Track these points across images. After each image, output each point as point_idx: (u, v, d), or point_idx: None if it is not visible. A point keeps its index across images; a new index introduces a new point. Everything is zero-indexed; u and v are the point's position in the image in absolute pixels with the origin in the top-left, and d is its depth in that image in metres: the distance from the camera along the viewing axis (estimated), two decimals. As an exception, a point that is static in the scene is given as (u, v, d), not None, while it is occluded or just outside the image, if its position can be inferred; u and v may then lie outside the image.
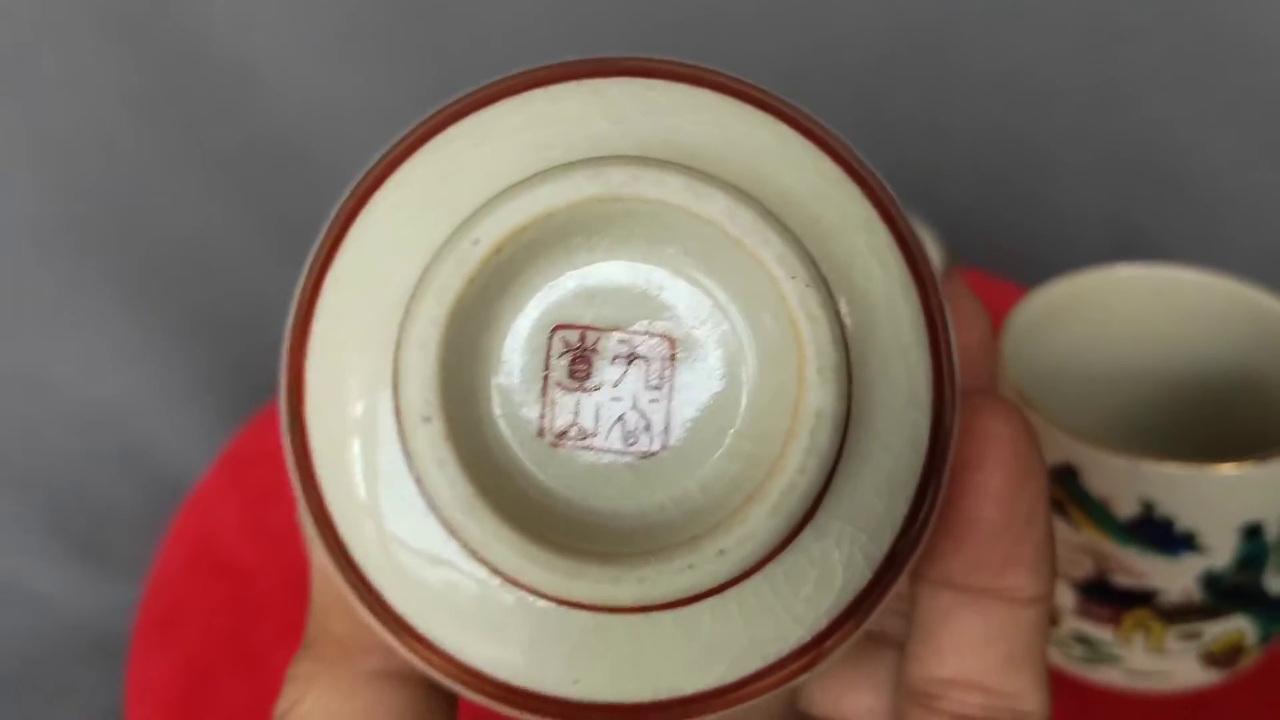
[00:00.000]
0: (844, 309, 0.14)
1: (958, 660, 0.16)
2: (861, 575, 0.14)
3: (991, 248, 0.56)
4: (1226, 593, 0.34)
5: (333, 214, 0.15)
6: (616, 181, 0.13)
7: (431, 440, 0.13)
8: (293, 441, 0.14)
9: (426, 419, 0.13)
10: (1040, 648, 0.16)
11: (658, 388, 0.14)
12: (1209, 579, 0.34)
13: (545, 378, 0.14)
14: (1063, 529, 0.35)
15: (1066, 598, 0.36)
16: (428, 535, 0.14)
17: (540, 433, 0.14)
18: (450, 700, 0.16)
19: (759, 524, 0.13)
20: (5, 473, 0.55)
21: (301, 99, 0.58)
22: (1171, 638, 0.35)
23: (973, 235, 0.53)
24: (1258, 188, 0.59)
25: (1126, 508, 0.33)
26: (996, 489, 0.15)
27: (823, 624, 0.14)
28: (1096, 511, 0.34)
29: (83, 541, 0.54)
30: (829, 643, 0.14)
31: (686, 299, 0.14)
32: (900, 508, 0.14)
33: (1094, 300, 0.39)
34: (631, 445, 0.14)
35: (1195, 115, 0.60)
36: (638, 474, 0.14)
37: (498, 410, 0.14)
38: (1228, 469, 0.32)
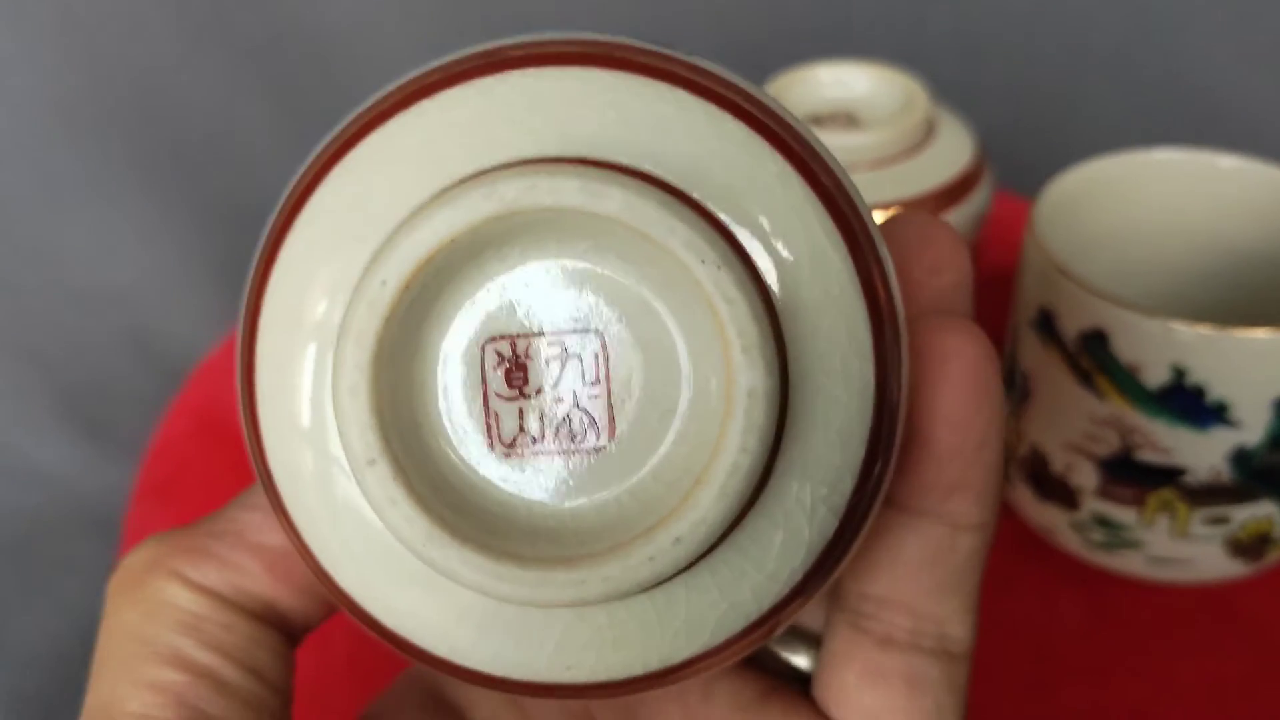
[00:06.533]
0: (768, 274, 0.14)
1: (892, 579, 0.16)
2: (828, 525, 0.14)
3: (1023, 171, 0.55)
4: (1257, 473, 0.33)
5: (254, 258, 0.15)
6: (511, 196, 0.13)
7: (380, 481, 0.13)
8: (262, 479, 0.15)
9: (371, 462, 0.13)
10: (975, 576, 0.16)
11: (595, 382, 0.14)
12: (1239, 456, 0.33)
13: (484, 392, 0.14)
14: (1089, 401, 0.34)
15: (1089, 476, 0.35)
16: (398, 558, 0.14)
17: (490, 446, 0.14)
18: (289, 644, 0.17)
19: (709, 508, 0.13)
20: (15, 348, 0.54)
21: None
22: (1197, 521, 0.34)
23: (1005, 159, 0.52)
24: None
25: (1156, 375, 0.32)
26: (950, 410, 0.15)
27: (798, 577, 0.14)
28: (1125, 379, 0.33)
29: (89, 420, 0.53)
30: (806, 592, 0.14)
31: (608, 292, 0.14)
32: (856, 453, 0.14)
33: (1130, 183, 0.38)
34: (580, 443, 0.14)
35: (1235, 50, 0.59)
36: (591, 470, 0.14)
37: (443, 433, 0.14)
38: (1263, 333, 0.31)
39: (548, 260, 0.14)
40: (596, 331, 0.14)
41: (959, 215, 0.41)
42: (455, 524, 0.13)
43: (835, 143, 0.39)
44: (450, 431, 0.14)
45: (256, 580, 0.17)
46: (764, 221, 0.14)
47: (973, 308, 0.17)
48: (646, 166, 0.13)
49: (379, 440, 0.13)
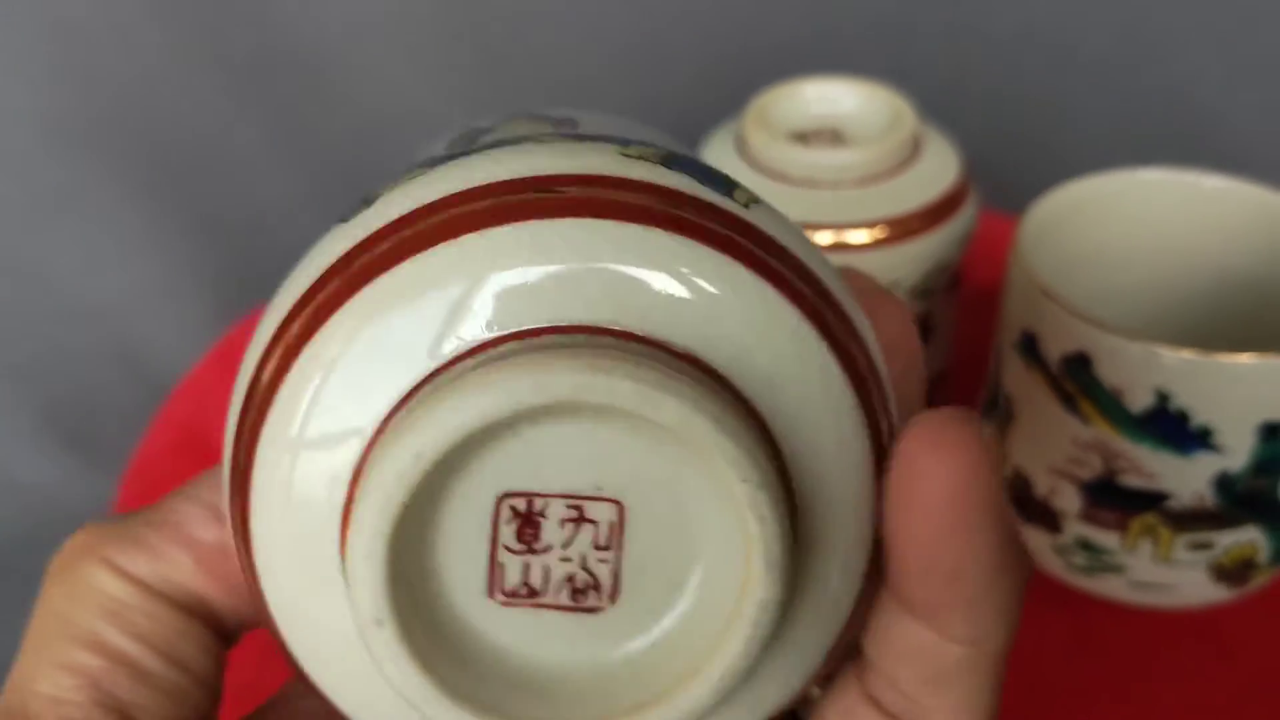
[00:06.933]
0: (794, 467, 0.14)
1: (890, 656, 0.15)
2: (814, 664, 0.15)
3: (1009, 189, 0.55)
4: (1240, 499, 0.33)
5: (250, 379, 0.14)
6: (563, 391, 0.12)
7: (385, 642, 0.13)
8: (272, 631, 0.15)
9: (378, 622, 0.13)
10: (975, 685, 0.15)
11: (606, 548, 0.14)
12: (1223, 481, 0.33)
13: (493, 542, 0.14)
14: (1072, 425, 0.34)
15: (1072, 500, 0.35)
16: (395, 705, 0.14)
17: (490, 593, 0.14)
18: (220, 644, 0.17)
19: (702, 698, 0.13)
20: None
21: (320, 7, 0.58)
22: (1180, 546, 0.34)
23: (991, 177, 0.52)
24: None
25: (1140, 399, 0.32)
26: (917, 535, 0.13)
27: (779, 709, 0.15)
28: (1108, 403, 0.33)
29: (73, 434, 0.53)
30: (779, 712, 0.15)
31: (638, 469, 0.13)
32: (849, 603, 0.15)
33: (1115, 203, 0.38)
34: (580, 603, 0.14)
35: (1223, 73, 0.59)
36: (588, 631, 0.14)
37: (447, 581, 0.14)
38: (1247, 358, 0.31)
39: (583, 428, 0.13)
40: (617, 502, 0.13)
41: (945, 233, 0.41)
42: (454, 682, 0.13)
43: (821, 160, 0.39)
44: (452, 579, 0.14)
45: (186, 573, 0.17)
46: (802, 420, 0.14)
47: (924, 390, 0.16)
48: (694, 347, 0.13)
49: (389, 603, 0.13)
